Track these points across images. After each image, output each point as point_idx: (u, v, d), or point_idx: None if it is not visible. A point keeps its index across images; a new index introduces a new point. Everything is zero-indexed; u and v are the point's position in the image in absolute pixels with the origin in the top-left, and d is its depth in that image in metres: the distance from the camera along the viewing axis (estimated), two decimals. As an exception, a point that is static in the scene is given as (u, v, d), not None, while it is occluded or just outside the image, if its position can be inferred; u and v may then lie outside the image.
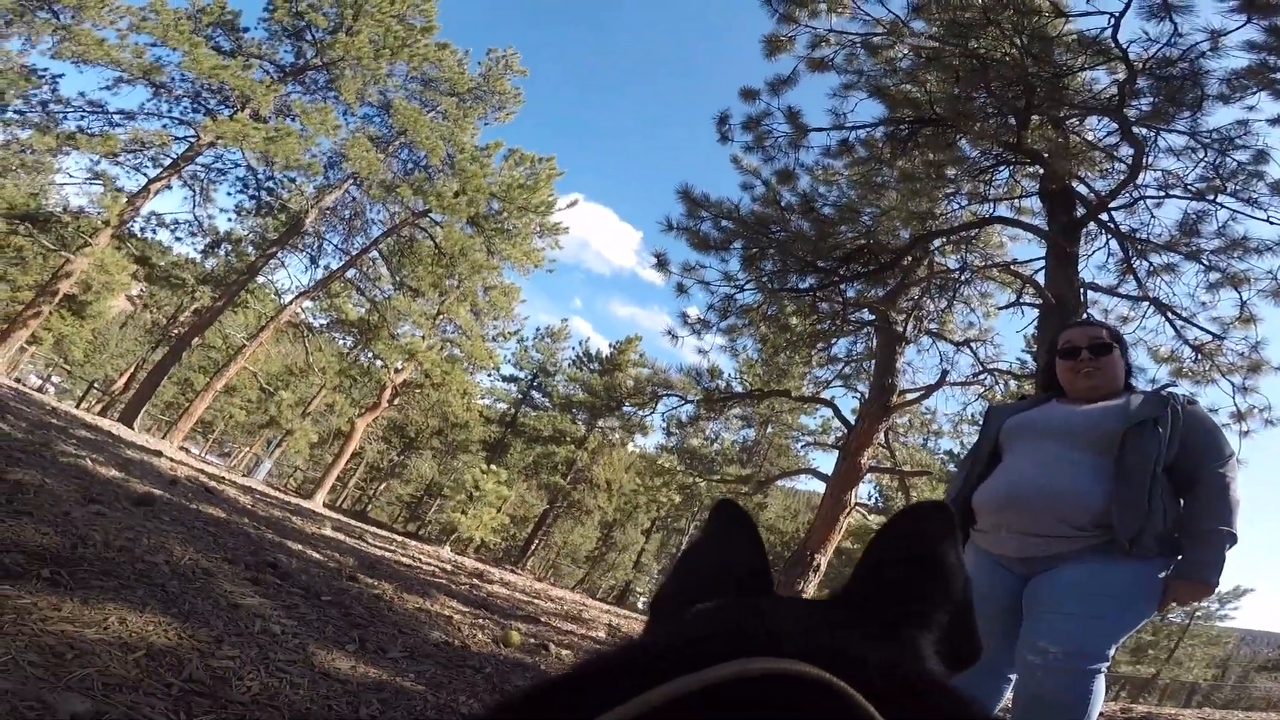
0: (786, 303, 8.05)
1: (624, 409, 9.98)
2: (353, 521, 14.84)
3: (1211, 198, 5.64)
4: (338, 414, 24.67)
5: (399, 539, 12.09)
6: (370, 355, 20.42)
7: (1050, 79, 5.25)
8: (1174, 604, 1.78)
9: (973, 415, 13.70)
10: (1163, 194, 6.14)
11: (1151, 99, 5.18)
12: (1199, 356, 6.36)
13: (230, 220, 19.23)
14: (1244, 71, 4.73)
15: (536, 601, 6.19)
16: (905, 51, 6.12)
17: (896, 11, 5.76)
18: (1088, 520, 1.76)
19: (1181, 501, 1.83)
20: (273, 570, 2.79)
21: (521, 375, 29.77)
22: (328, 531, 6.93)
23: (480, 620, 3.59)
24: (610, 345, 27.02)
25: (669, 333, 8.04)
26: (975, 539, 2.00)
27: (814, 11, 6.21)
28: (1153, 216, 6.40)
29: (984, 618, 1.90)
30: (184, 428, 19.16)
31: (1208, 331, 6.12)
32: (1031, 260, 7.94)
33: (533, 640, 3.42)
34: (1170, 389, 1.96)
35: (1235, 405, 6.38)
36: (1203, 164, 5.60)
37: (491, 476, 18.55)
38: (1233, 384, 6.30)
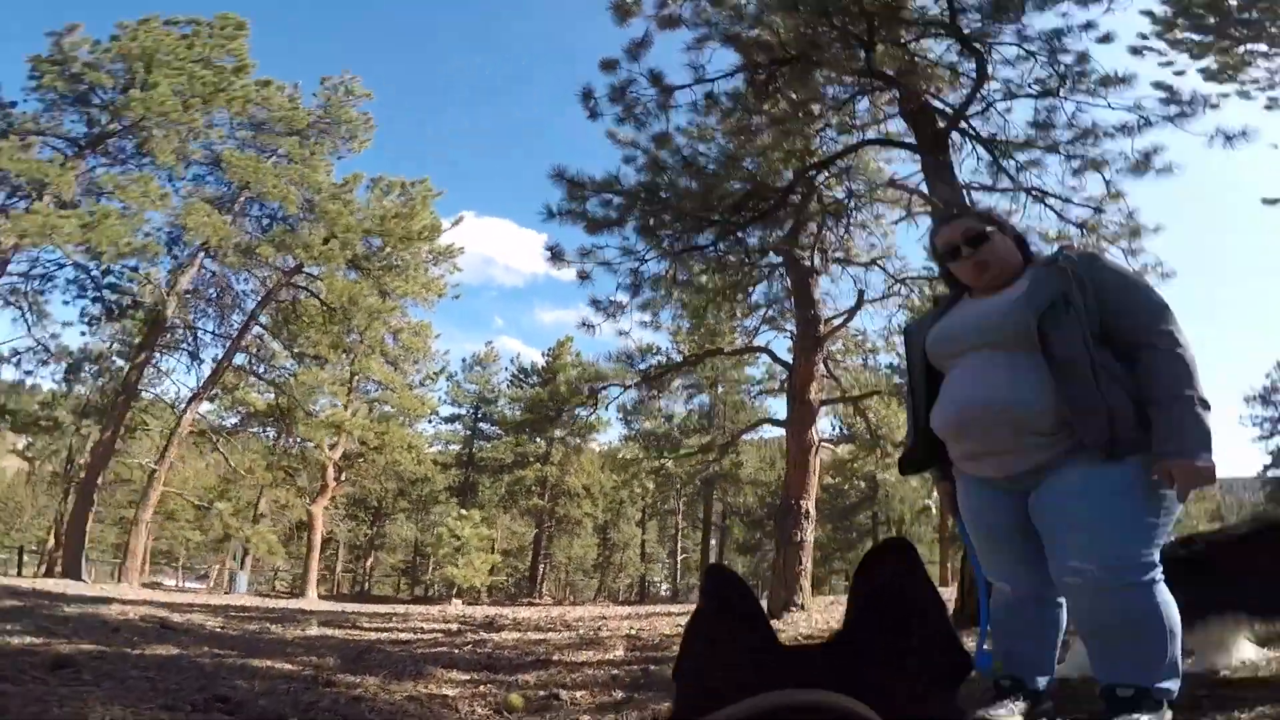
0: (692, 263, 8.06)
1: (566, 414, 9.84)
2: (349, 607, 14.25)
3: (1056, 95, 5.92)
4: (290, 508, 23.57)
5: (401, 610, 11.67)
6: (297, 440, 18.99)
7: (885, 5, 5.41)
8: (1179, 491, 1.57)
9: (899, 326, 14.19)
10: (1010, 98, 6.44)
11: (979, 11, 5.41)
12: (1085, 231, 6.67)
13: (83, 335, 16.88)
14: None
15: (549, 636, 6.07)
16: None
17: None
18: (1049, 424, 1.64)
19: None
20: (221, 706, 2.58)
21: (463, 411, 29.05)
22: (313, 631, 6.59)
23: (481, 688, 3.46)
24: (544, 354, 26.69)
25: (584, 324, 7.94)
26: (959, 467, 1.90)
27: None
28: (1005, 120, 6.74)
29: (996, 546, 1.75)
30: (134, 567, 17.94)
31: (1087, 206, 6.46)
32: (911, 176, 8.31)
33: (541, 693, 3.33)
34: (1061, 252, 1.85)
35: (1130, 267, 6.89)
36: (1037, 67, 5.91)
37: (466, 521, 18.14)
38: (1121, 250, 6.65)
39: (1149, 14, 6.39)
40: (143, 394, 16.85)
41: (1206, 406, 1.58)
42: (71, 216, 13.00)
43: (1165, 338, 1.62)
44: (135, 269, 15.83)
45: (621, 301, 8.13)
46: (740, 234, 8.03)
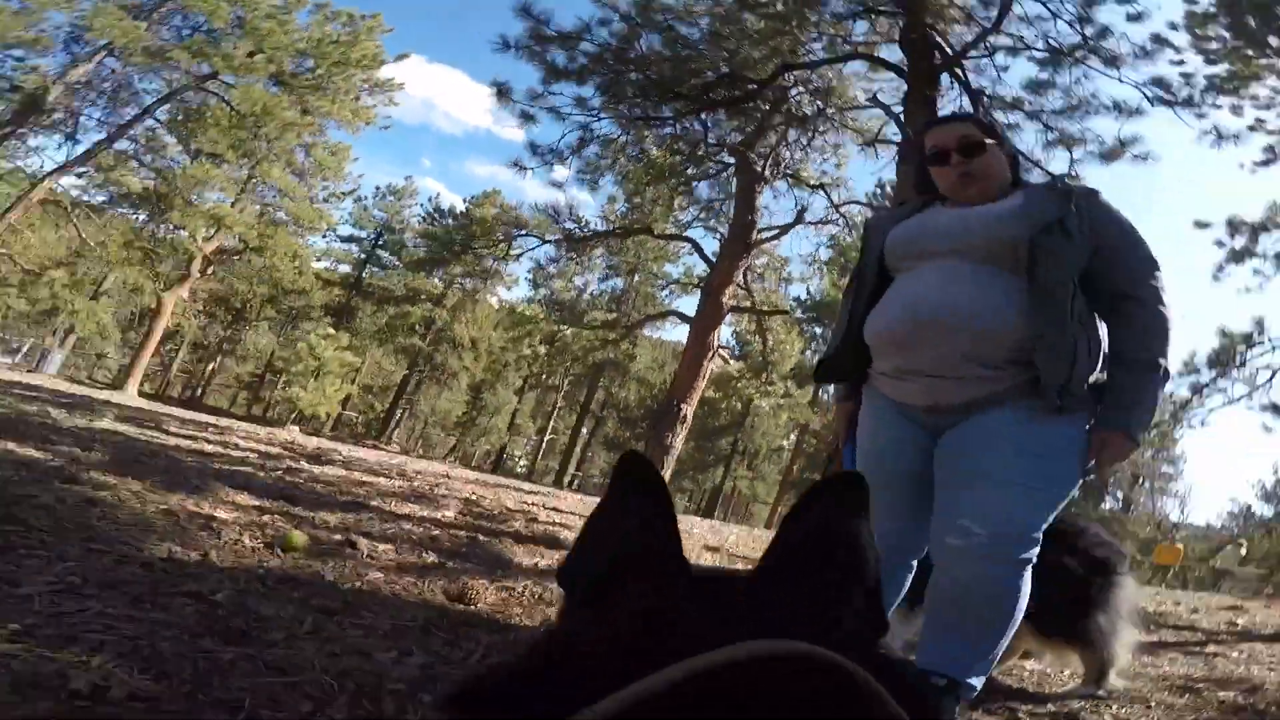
0: (647, 134, 7.36)
1: (474, 250, 9.04)
2: (169, 410, 13.08)
3: (1070, 56, 5.73)
4: (140, 292, 21.40)
5: (225, 423, 10.75)
6: (170, 227, 18.15)
7: None
8: (1100, 464, 1.45)
9: (824, 257, 14.13)
10: (1014, 53, 6.14)
11: None
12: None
13: None
14: None
15: (378, 480, 5.55)
16: None
17: None
18: (1003, 354, 1.42)
19: (1102, 325, 1.52)
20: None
21: (363, 235, 27.00)
22: (102, 423, 5.71)
23: (265, 517, 2.90)
24: (466, 200, 24.80)
25: (515, 163, 7.16)
26: (876, 383, 1.65)
27: None
28: (1000, 75, 6.48)
29: (888, 484, 1.61)
30: None
31: (1049, 174, 6.32)
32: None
33: (336, 537, 2.81)
34: (1063, 179, 1.67)
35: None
36: (1056, 26, 5.63)
37: (332, 342, 16.96)
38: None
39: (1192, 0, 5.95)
40: (3, 164, 16.33)
41: (1167, 377, 1.46)
42: None
43: (1153, 294, 1.48)
44: (21, 59, 15.35)
45: (562, 151, 7.30)
46: (704, 117, 7.50)
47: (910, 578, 1.68)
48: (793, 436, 26.77)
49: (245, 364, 31.51)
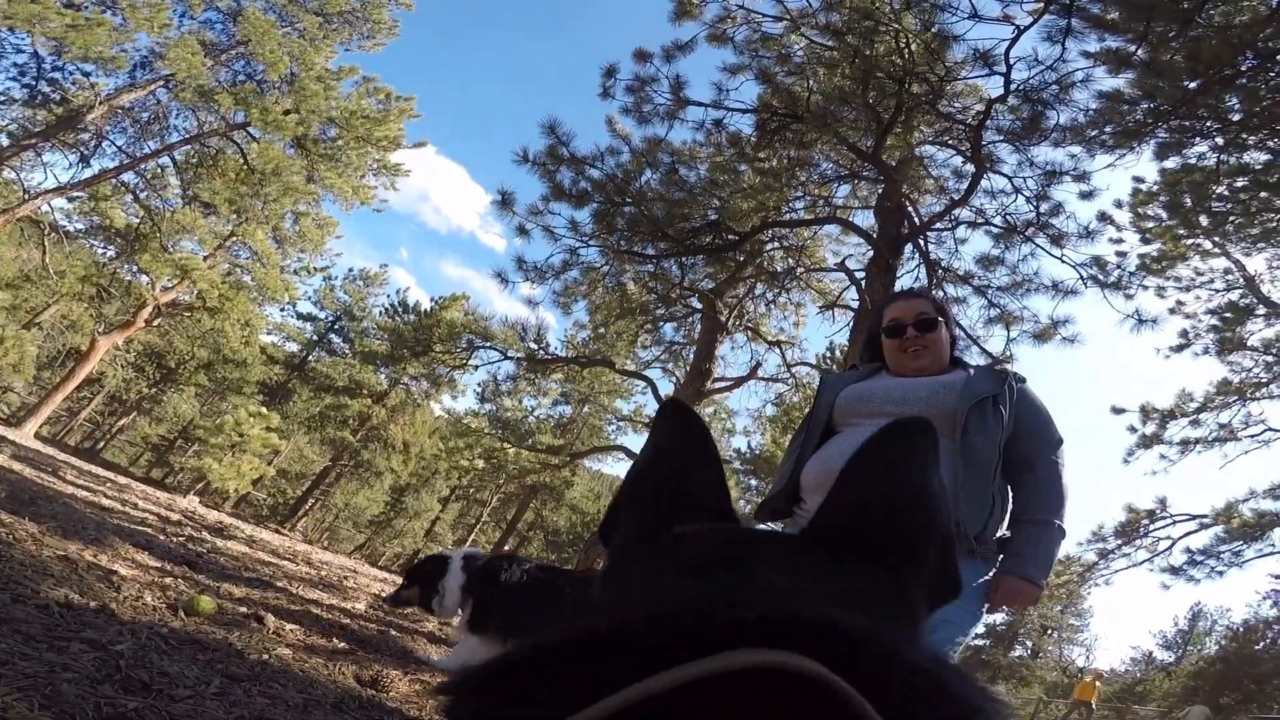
0: (628, 267, 7.76)
1: (432, 353, 8.94)
2: (66, 457, 11.98)
3: (1021, 232, 6.34)
4: (77, 329, 20.26)
5: (124, 481, 9.90)
6: (134, 269, 17.38)
7: (924, 94, 5.46)
8: (1000, 607, 1.63)
9: (769, 415, 14.62)
10: (974, 227, 6.81)
11: (1013, 119, 5.58)
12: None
13: None
14: (1090, 117, 5.24)
15: (284, 563, 5.15)
16: (800, 46, 6.20)
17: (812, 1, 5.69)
18: None
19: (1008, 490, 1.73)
20: None
21: (322, 315, 26.46)
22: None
23: (167, 580, 2.68)
24: (432, 300, 24.92)
25: (499, 275, 7.38)
26: (800, 521, 1.79)
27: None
28: (957, 249, 7.11)
29: None
30: None
31: (987, 353, 6.84)
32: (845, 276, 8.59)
33: (243, 610, 2.59)
34: (1005, 365, 1.91)
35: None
36: (1017, 202, 6.34)
37: (260, 421, 16.03)
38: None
39: (1139, 179, 6.94)
40: (4, 172, 15.73)
41: (1063, 535, 1.64)
42: (66, 15, 13.03)
43: (1052, 466, 1.70)
44: (86, 74, 15.48)
45: (545, 270, 7.61)
46: (684, 260, 7.93)
47: None
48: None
49: (159, 426, 29.33)
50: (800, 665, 0.27)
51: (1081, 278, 6.49)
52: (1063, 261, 6.48)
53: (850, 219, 7.46)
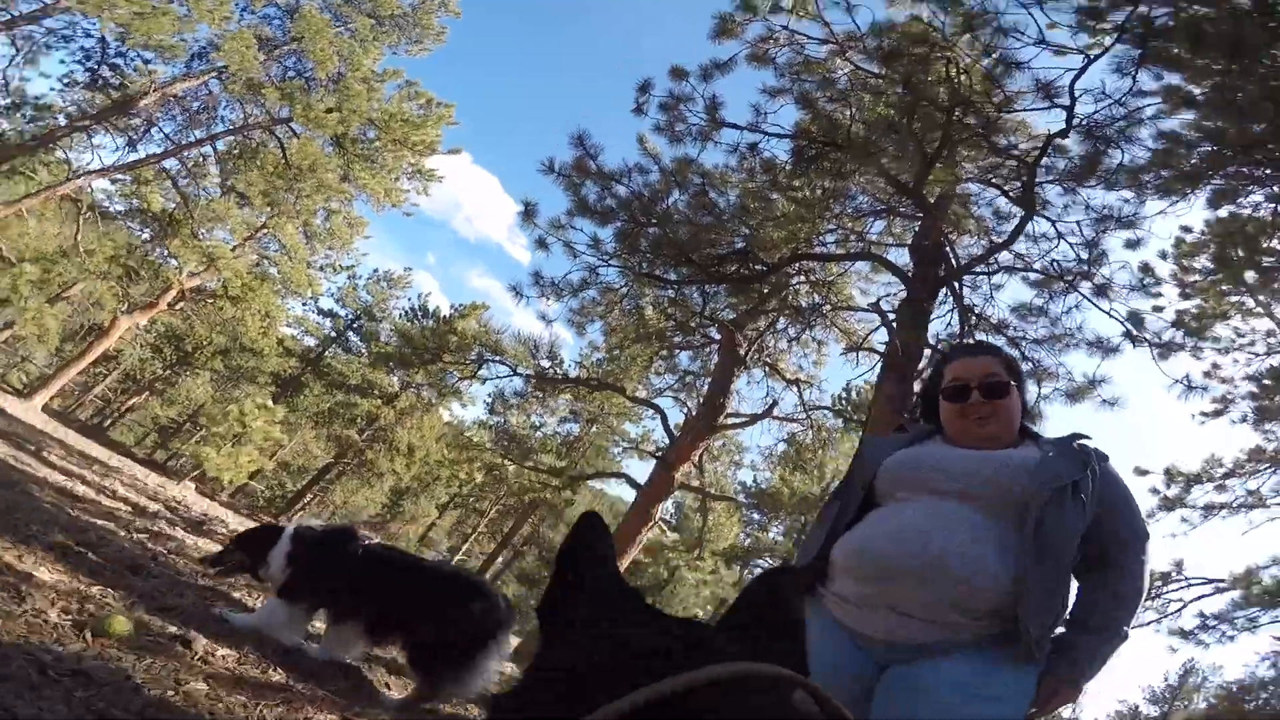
0: (647, 291, 7.53)
1: (443, 362, 8.74)
2: (66, 433, 11.90)
3: (1065, 280, 5.97)
4: (101, 306, 20.49)
5: (118, 463, 9.75)
6: (164, 253, 17.56)
7: (976, 126, 5.20)
8: (1043, 709, 1.43)
9: (779, 454, 14.24)
10: (1017, 268, 6.47)
11: (1069, 160, 5.28)
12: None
13: (54, 90, 16.16)
14: (1144, 163, 4.94)
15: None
16: (845, 71, 5.95)
17: (860, 24, 5.48)
18: (987, 608, 1.36)
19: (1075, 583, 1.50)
20: None
21: (342, 313, 26.61)
22: None
23: (94, 590, 2.40)
24: (452, 307, 24.92)
25: (514, 289, 7.18)
26: (829, 604, 1.51)
27: (776, 6, 5.86)
28: (992, 295, 6.74)
29: None
30: None
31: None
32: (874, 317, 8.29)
33: (171, 629, 2.30)
34: (1084, 441, 1.57)
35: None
36: (1055, 252, 6.00)
37: (264, 414, 15.90)
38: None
39: (1186, 229, 6.68)
40: (57, 151, 16.20)
41: (1126, 640, 1.48)
42: (135, 3, 13.44)
43: (1139, 567, 1.48)
44: (147, 61, 15.94)
45: (562, 287, 7.41)
46: (706, 288, 7.67)
47: None
48: (710, 609, 25.54)
49: (170, 408, 29.50)
50: (783, 672, 0.38)
51: (1130, 335, 6.02)
52: (1110, 315, 6.03)
53: (884, 255, 7.20)
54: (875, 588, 1.42)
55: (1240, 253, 6.29)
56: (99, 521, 3.79)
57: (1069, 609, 1.45)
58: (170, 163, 17.00)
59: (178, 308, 19.27)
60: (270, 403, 17.56)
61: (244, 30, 15.29)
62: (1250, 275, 6.65)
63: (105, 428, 25.61)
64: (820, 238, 7.45)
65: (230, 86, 15.99)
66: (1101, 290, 5.86)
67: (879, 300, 7.47)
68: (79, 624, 1.93)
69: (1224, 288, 6.87)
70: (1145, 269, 6.18)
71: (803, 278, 8.35)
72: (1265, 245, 6.35)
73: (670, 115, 6.51)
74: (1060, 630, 1.45)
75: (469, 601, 2.92)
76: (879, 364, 6.19)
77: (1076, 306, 6.08)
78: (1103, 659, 1.44)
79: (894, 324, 6.02)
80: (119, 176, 16.75)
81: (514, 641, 3.14)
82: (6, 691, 1.30)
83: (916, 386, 5.18)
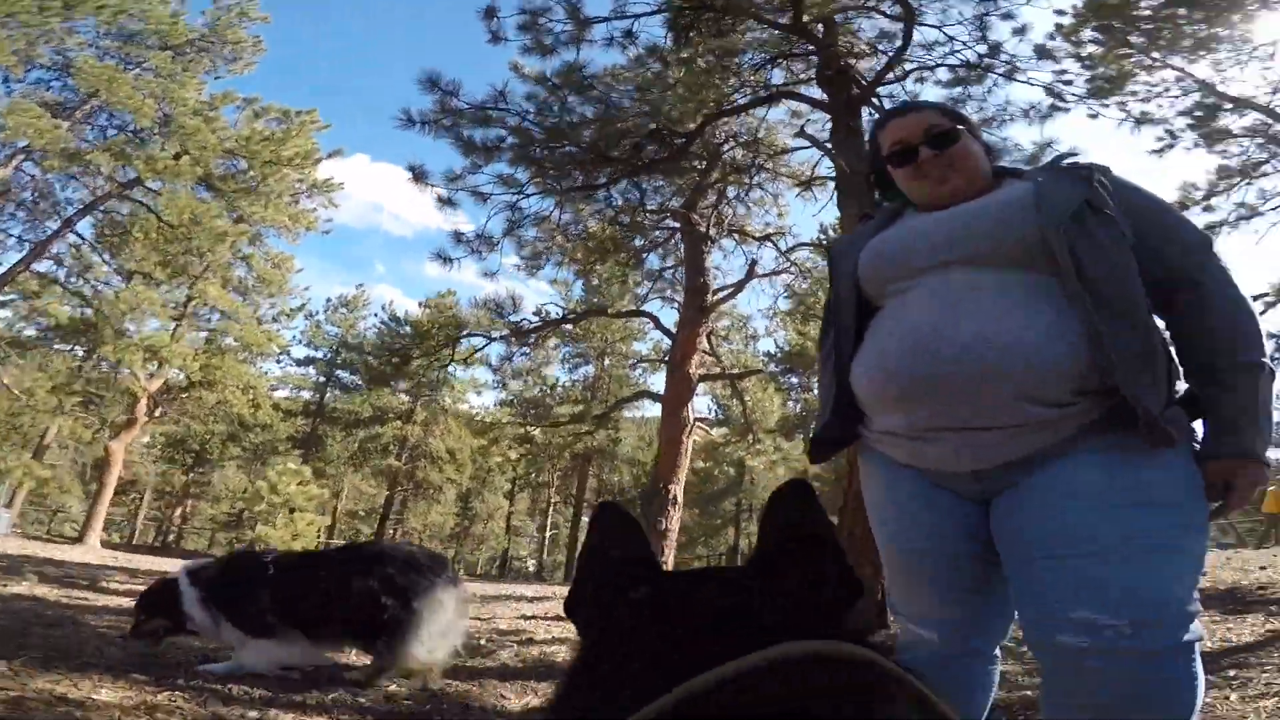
0: (582, 206, 7.22)
1: (414, 359, 8.56)
2: (134, 559, 12.10)
3: (976, 68, 5.96)
4: (93, 443, 20.37)
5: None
6: (106, 364, 16.84)
7: None
8: (1231, 502, 1.09)
9: (783, 308, 14.18)
10: (925, 70, 6.36)
11: None
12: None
13: None
14: None
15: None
16: None
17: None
18: (1069, 386, 1.03)
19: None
20: None
21: (319, 355, 26.29)
22: (18, 588, 5.18)
23: (160, 698, 2.42)
24: (420, 304, 24.42)
25: (438, 255, 6.85)
26: (881, 445, 1.24)
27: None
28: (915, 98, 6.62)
29: (923, 576, 1.27)
30: None
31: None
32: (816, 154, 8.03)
33: (252, 715, 2.32)
34: (1073, 158, 1.27)
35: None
36: (955, 49, 5.93)
37: (294, 477, 16.08)
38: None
39: (1061, 12, 6.49)
40: None
41: (1274, 376, 1.08)
42: None
43: (1218, 274, 1.12)
44: None
45: (491, 237, 7.08)
46: (640, 183, 7.37)
47: (997, 672, 1.28)
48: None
49: (220, 504, 30.06)
50: (855, 650, 0.37)
51: (1056, 96, 6.06)
52: (1030, 84, 6.08)
53: (797, 91, 6.88)
54: (922, 411, 1.12)
55: (1116, 24, 6.14)
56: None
57: (1178, 366, 1.13)
58: (43, 266, 15.85)
59: (159, 413, 18.67)
60: (292, 465, 17.66)
61: (20, 101, 13.81)
62: (1136, 39, 6.54)
63: (175, 543, 26.20)
64: (729, 101, 7.14)
65: (48, 165, 14.72)
66: (1010, 74, 5.85)
67: (802, 128, 7.17)
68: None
69: (1121, 52, 6.77)
70: (1040, 50, 6.08)
71: (731, 143, 8.04)
72: (1135, 13, 6.26)
73: (533, 32, 6.14)
74: (1181, 396, 1.12)
75: (388, 573, 2.98)
76: (834, 193, 6.03)
77: (995, 85, 6.08)
78: (1256, 411, 1.07)
79: (830, 149, 5.79)
80: (4, 298, 15.73)
81: (449, 594, 3.11)
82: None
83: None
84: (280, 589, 2.95)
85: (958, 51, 5.91)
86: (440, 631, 3.02)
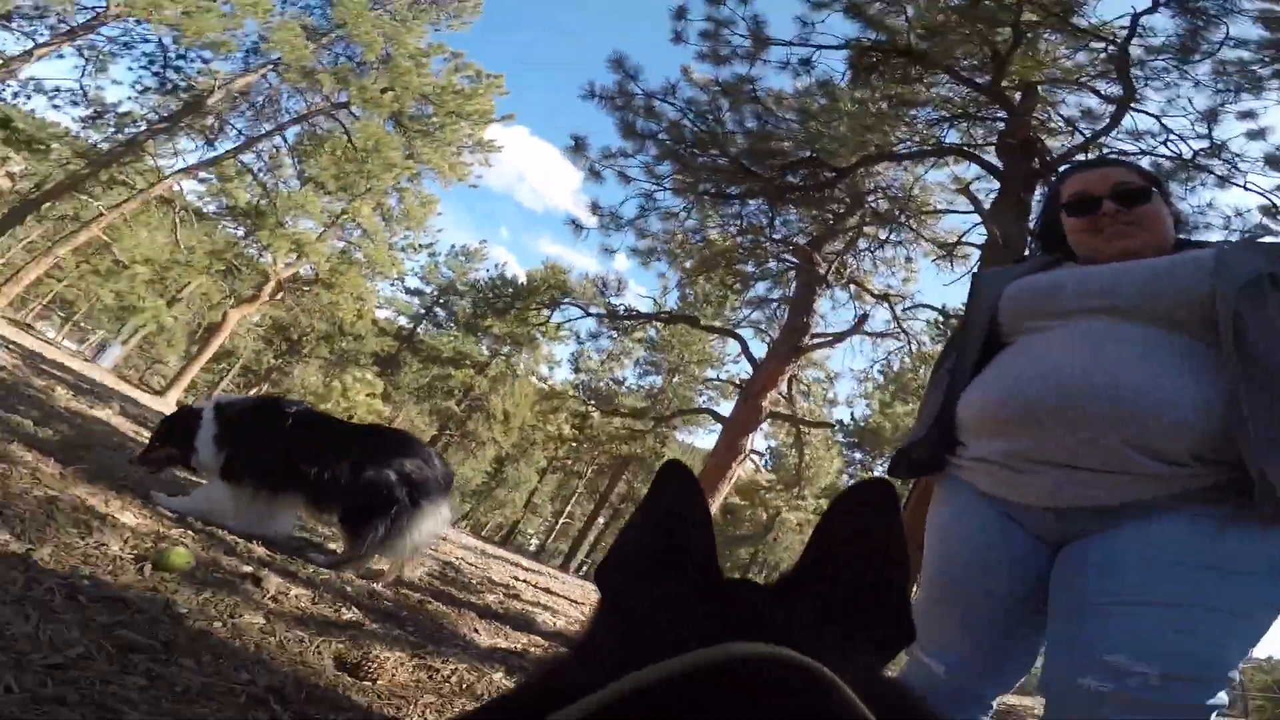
0: (710, 213, 7.20)
1: (515, 309, 8.78)
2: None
3: (1191, 165, 5.33)
4: (211, 304, 22.29)
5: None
6: (259, 246, 18.88)
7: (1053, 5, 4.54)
8: None
9: (878, 377, 13.48)
10: (1126, 155, 5.68)
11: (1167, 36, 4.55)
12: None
13: (129, 98, 17.52)
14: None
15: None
16: None
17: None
18: (1185, 447, 0.99)
19: None
20: None
21: (428, 290, 27.81)
22: (100, 412, 5.49)
23: (174, 531, 2.43)
24: (542, 264, 25.59)
25: (573, 222, 7.04)
26: (966, 473, 1.22)
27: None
28: None
29: (961, 606, 1.22)
30: (8, 293, 16.56)
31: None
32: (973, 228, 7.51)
33: (245, 569, 2.29)
34: (1266, 238, 1.17)
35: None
36: (1163, 149, 5.33)
37: (365, 386, 16.87)
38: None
39: None
40: (146, 158, 17.12)
41: None
42: (180, 2, 14.04)
43: None
44: (206, 61, 16.57)
45: (620, 216, 7.21)
46: (774, 205, 7.24)
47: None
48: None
49: (290, 395, 32.10)
50: (793, 656, 0.30)
51: (1275, 210, 5.17)
52: (1247, 189, 5.21)
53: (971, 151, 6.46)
54: (1027, 441, 1.10)
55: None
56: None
57: None
58: (248, 157, 18.15)
59: (279, 299, 20.60)
60: (368, 376, 18.67)
61: (288, 21, 15.96)
62: None
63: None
64: (891, 147, 6.85)
65: (287, 76, 16.76)
66: (1225, 179, 5.16)
67: (966, 185, 6.75)
68: (141, 559, 1.91)
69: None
70: (1273, 159, 5.24)
71: (879, 194, 7.72)
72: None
73: (713, 41, 6.24)
74: None
75: (404, 463, 2.94)
76: (975, 266, 5.60)
77: (1202, 184, 5.38)
78: None
79: (990, 216, 5.38)
80: (205, 175, 18.00)
81: (448, 508, 3.12)
82: (13, 611, 1.23)
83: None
84: (291, 443, 2.88)
85: (1170, 142, 5.28)
86: (426, 540, 3.03)
